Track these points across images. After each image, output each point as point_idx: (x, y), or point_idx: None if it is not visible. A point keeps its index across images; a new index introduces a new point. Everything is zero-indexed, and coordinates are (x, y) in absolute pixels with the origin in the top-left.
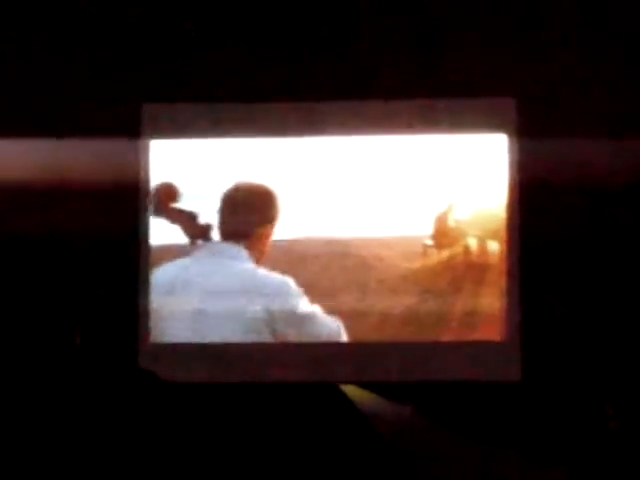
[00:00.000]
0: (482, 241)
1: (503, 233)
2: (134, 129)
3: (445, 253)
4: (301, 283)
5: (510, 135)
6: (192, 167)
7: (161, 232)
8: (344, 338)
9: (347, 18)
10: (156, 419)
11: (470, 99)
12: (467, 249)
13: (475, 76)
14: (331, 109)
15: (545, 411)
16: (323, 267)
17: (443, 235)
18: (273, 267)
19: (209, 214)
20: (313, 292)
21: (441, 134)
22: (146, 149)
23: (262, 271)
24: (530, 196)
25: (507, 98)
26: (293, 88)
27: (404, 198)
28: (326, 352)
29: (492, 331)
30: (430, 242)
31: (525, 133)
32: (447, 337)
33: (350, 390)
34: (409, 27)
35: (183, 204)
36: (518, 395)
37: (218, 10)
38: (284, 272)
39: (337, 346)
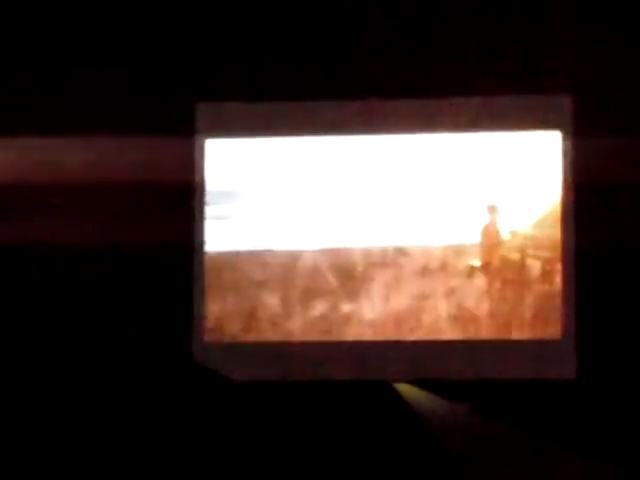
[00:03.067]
0: (544, 263)
1: (558, 243)
2: (188, 128)
3: (497, 282)
4: (357, 285)
5: (565, 133)
6: (248, 167)
7: (221, 238)
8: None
9: (401, 18)
10: (213, 416)
11: (526, 96)
12: (523, 273)
13: (530, 73)
14: (387, 107)
15: (601, 409)
16: (376, 270)
17: (493, 252)
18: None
19: (265, 216)
20: (367, 293)
21: (496, 132)
22: (201, 148)
23: None
24: (586, 195)
25: (564, 95)
26: (349, 86)
27: (451, 201)
28: (381, 350)
29: (548, 330)
30: (477, 263)
31: (582, 130)
32: (502, 336)
33: (405, 389)
34: (460, 24)
35: (239, 205)
36: (574, 393)
37: (272, 9)
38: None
39: (392, 344)
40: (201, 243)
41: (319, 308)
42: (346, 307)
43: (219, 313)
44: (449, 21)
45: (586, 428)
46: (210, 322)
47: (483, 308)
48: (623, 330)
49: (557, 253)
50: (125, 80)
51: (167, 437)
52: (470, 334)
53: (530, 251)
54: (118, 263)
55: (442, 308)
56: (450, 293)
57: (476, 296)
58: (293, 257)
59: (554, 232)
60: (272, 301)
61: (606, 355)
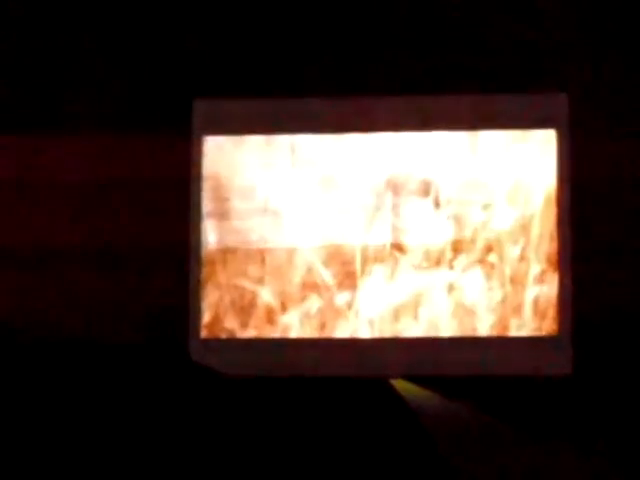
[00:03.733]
0: (540, 259)
1: (555, 239)
2: (186, 125)
3: (494, 279)
4: (354, 281)
5: (561, 131)
6: (247, 165)
7: (217, 234)
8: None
9: (394, 17)
10: (212, 412)
11: (521, 94)
12: (520, 269)
13: (526, 70)
14: (384, 104)
15: (597, 405)
16: (373, 265)
17: (489, 248)
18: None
19: (263, 216)
20: (364, 289)
21: (491, 130)
22: (199, 145)
23: None
24: (582, 194)
25: (560, 93)
26: (347, 83)
27: (447, 199)
28: (378, 346)
29: (545, 325)
30: (474, 260)
31: (577, 129)
32: (499, 332)
33: (402, 385)
34: (454, 21)
35: (236, 204)
36: (570, 389)
37: (269, 6)
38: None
39: (389, 340)
40: (198, 239)
41: (316, 304)
42: (343, 303)
43: (216, 309)
44: (442, 18)
45: (582, 424)
46: (207, 318)
47: (480, 304)
48: (620, 326)
49: (554, 249)
50: (122, 77)
51: (165, 434)
52: (467, 330)
53: (527, 248)
54: (114, 260)
55: (439, 304)
56: (447, 290)
57: (473, 293)
58: (290, 253)
59: (550, 229)
60: (269, 297)
61: (602, 351)
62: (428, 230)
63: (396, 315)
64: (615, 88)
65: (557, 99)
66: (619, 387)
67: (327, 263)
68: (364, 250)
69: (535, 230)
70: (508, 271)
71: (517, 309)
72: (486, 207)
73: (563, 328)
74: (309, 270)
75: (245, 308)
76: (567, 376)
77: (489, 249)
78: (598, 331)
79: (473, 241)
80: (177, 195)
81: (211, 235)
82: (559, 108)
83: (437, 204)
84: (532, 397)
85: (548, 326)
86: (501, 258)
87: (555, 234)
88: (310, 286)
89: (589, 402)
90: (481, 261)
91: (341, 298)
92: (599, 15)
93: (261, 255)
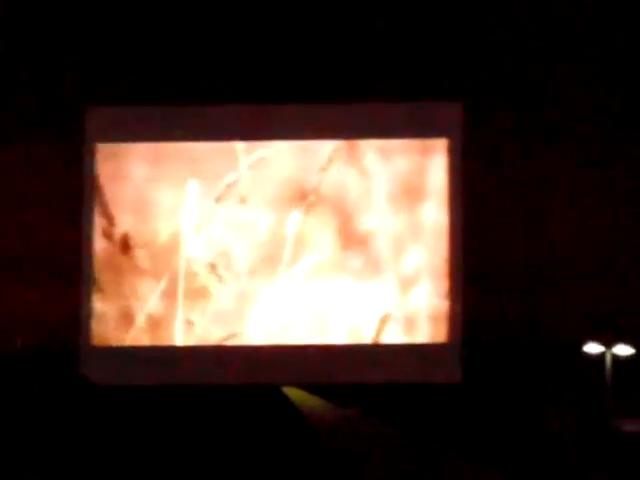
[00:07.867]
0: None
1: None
2: (78, 133)
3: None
4: (246, 290)
5: (455, 139)
6: (140, 172)
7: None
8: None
9: (285, 28)
10: (90, 423)
11: (414, 102)
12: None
13: (420, 79)
14: (277, 112)
15: (487, 412)
16: (264, 276)
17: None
18: None
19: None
20: (257, 298)
21: (385, 139)
22: (91, 153)
23: None
24: (473, 201)
25: (453, 101)
26: (238, 91)
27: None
28: (269, 355)
29: (435, 333)
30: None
31: (472, 137)
32: (390, 340)
33: (295, 394)
34: (350, 30)
35: (128, 212)
36: (460, 396)
37: (161, 15)
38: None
39: (280, 349)
40: (88, 248)
41: (206, 311)
42: (233, 310)
43: (106, 317)
44: (338, 27)
45: (470, 430)
46: (96, 326)
47: (371, 312)
48: (508, 333)
49: (445, 260)
50: (14, 83)
51: (39, 441)
52: (358, 338)
53: (418, 257)
54: (3, 268)
55: (330, 312)
56: (339, 298)
57: (364, 301)
58: (181, 261)
59: (442, 239)
60: (157, 305)
61: (492, 358)
62: (321, 240)
63: (288, 323)
64: (510, 96)
65: (450, 107)
66: (508, 395)
67: (217, 271)
68: (256, 258)
69: (426, 240)
70: (398, 280)
71: (408, 317)
72: (377, 216)
73: (453, 337)
74: (199, 278)
75: (135, 316)
76: (457, 384)
77: (380, 259)
78: (488, 340)
79: (363, 250)
80: (68, 202)
81: (102, 243)
82: (452, 116)
83: (331, 214)
84: (422, 404)
85: (438, 334)
86: (392, 267)
87: (446, 245)
88: (200, 294)
89: (478, 409)
90: (373, 270)
91: (232, 306)
92: (496, 23)
93: (151, 264)
